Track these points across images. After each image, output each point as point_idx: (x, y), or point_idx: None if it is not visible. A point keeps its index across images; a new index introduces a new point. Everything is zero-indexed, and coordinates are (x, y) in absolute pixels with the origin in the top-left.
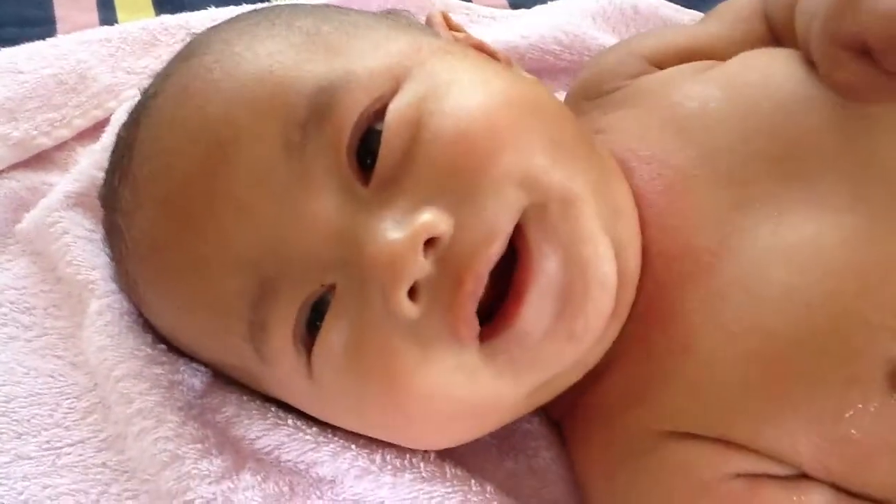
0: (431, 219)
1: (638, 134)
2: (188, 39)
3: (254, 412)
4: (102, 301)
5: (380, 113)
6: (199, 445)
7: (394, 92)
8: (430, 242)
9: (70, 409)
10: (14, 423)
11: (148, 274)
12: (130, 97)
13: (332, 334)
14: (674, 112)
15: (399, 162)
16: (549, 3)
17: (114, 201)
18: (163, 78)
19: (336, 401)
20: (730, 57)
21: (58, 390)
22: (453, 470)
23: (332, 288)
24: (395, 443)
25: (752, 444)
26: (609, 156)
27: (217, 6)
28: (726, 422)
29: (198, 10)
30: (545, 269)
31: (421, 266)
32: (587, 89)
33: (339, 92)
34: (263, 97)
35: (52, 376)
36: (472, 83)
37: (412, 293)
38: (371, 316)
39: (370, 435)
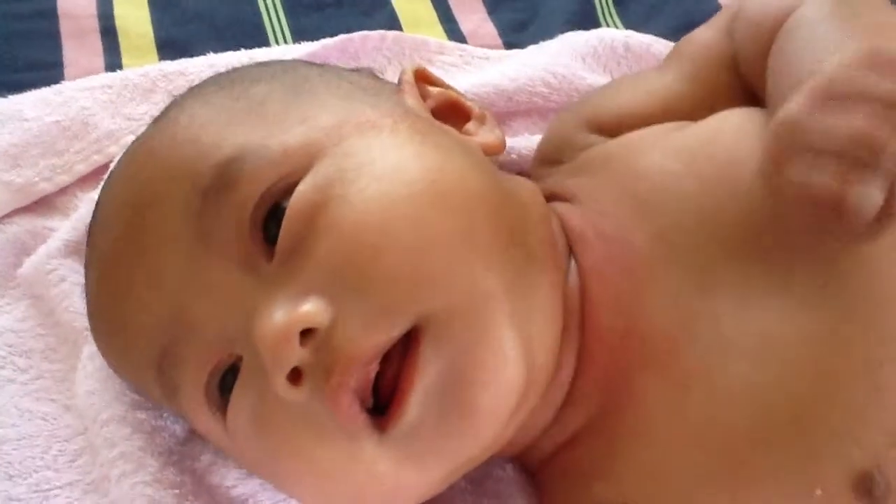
0: (309, 309)
1: (598, 206)
2: (186, 86)
3: (230, 461)
4: (94, 347)
5: (290, 190)
6: (176, 491)
7: (305, 170)
8: (310, 331)
9: (60, 451)
10: (6, 464)
11: (92, 332)
12: (130, 143)
13: (239, 406)
14: (634, 184)
15: (298, 243)
16: (541, 43)
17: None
18: (137, 137)
19: (253, 461)
20: (696, 113)
21: (49, 433)
22: None
23: (240, 359)
24: None
25: None
26: (541, 242)
27: (216, 50)
28: None
29: (198, 54)
30: (430, 373)
31: (297, 354)
32: (548, 157)
33: (246, 164)
34: (177, 163)
35: (44, 419)
36: (384, 168)
37: (297, 377)
38: (269, 394)
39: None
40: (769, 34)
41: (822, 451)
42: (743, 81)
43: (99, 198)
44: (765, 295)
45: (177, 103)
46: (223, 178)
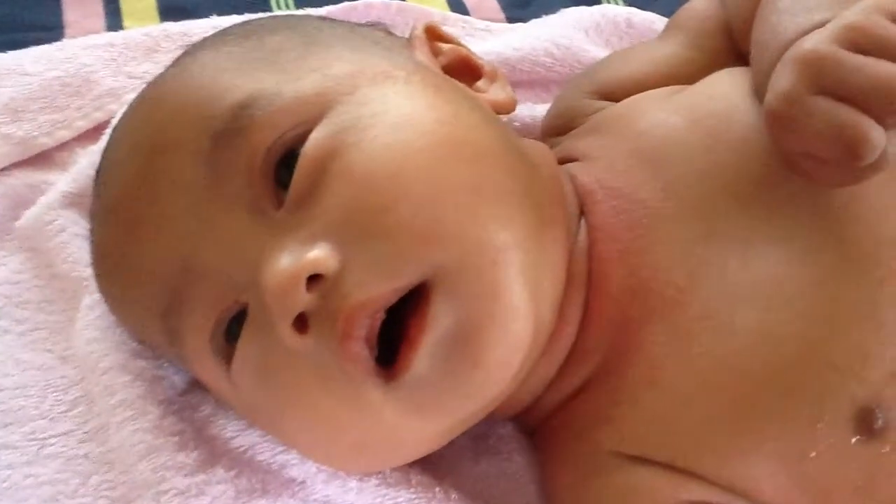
0: (317, 255)
1: (606, 164)
2: (188, 46)
3: (230, 413)
4: (95, 296)
5: (303, 137)
6: (176, 438)
7: (318, 119)
8: (317, 278)
9: (56, 401)
10: (1, 413)
11: (97, 276)
12: (131, 100)
13: (246, 353)
14: (640, 142)
15: (310, 190)
16: (544, 17)
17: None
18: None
19: (256, 411)
20: (699, 79)
21: (45, 383)
22: (418, 477)
23: (246, 306)
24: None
25: (715, 478)
26: (551, 200)
27: (219, 15)
28: (690, 456)
29: (201, 18)
30: (439, 327)
31: (303, 300)
32: (556, 127)
33: (259, 110)
34: (189, 108)
35: (40, 369)
36: (399, 117)
37: (303, 325)
38: (275, 341)
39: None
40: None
41: (825, 388)
42: (736, 45)
43: (108, 142)
44: (768, 241)
45: (190, 52)
46: (235, 122)
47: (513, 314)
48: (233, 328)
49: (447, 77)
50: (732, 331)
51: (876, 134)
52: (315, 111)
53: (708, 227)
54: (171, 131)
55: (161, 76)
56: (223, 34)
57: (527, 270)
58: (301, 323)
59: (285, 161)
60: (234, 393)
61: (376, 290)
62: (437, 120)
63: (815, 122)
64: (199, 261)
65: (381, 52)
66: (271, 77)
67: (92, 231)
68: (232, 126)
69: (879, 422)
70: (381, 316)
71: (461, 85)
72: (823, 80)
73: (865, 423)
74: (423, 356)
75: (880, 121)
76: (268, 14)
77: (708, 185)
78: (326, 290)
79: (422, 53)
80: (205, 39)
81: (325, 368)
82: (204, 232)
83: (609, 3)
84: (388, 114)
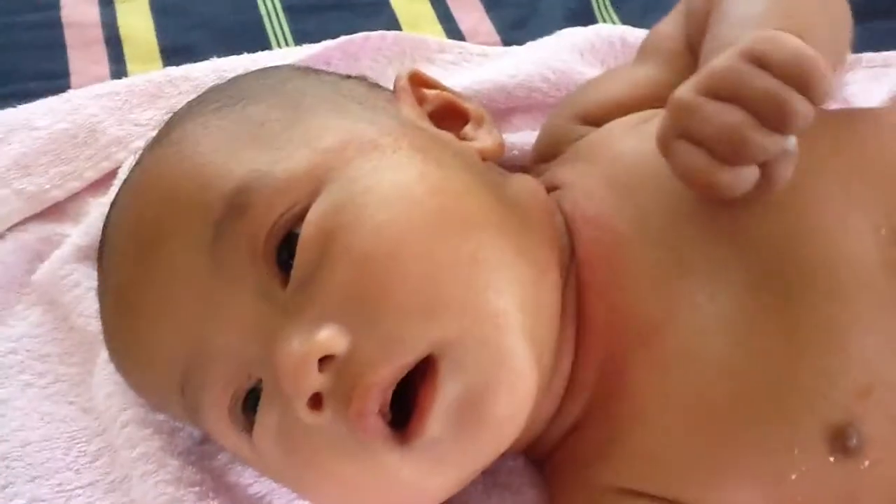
0: (326, 337)
1: (585, 190)
2: (191, 91)
3: None
4: None
5: (300, 216)
6: (196, 489)
7: (313, 196)
8: (328, 358)
9: (81, 452)
10: (29, 466)
11: (110, 353)
12: (137, 148)
13: (265, 427)
14: (613, 167)
15: (313, 271)
16: (539, 39)
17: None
18: (138, 159)
19: (281, 475)
20: None
21: (69, 435)
22: None
23: (260, 380)
24: None
25: None
26: (543, 244)
27: (219, 56)
28: (676, 487)
29: (201, 59)
30: (448, 394)
31: (316, 380)
32: (543, 155)
33: (253, 194)
34: (187, 195)
35: (64, 421)
36: (391, 191)
37: (318, 402)
38: (292, 415)
39: None
40: (705, 17)
41: (796, 413)
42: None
43: (107, 225)
44: (732, 269)
45: (177, 124)
46: (233, 210)
47: (518, 375)
48: (250, 398)
49: (434, 134)
50: (702, 363)
51: (726, 177)
52: (308, 189)
53: (678, 258)
54: (169, 221)
55: (152, 154)
56: (206, 101)
57: (527, 328)
58: (316, 401)
59: (285, 241)
60: (259, 459)
61: (385, 369)
62: (429, 190)
63: (677, 164)
64: (209, 344)
65: (365, 115)
66: (262, 156)
67: (101, 309)
68: (230, 213)
69: (854, 440)
70: (392, 387)
71: (448, 138)
72: (683, 127)
73: (839, 441)
74: (434, 421)
75: (731, 164)
76: (265, 53)
77: (675, 214)
78: (338, 369)
79: (407, 106)
80: (189, 108)
81: (342, 439)
82: (212, 317)
83: (604, 21)
84: (380, 187)
